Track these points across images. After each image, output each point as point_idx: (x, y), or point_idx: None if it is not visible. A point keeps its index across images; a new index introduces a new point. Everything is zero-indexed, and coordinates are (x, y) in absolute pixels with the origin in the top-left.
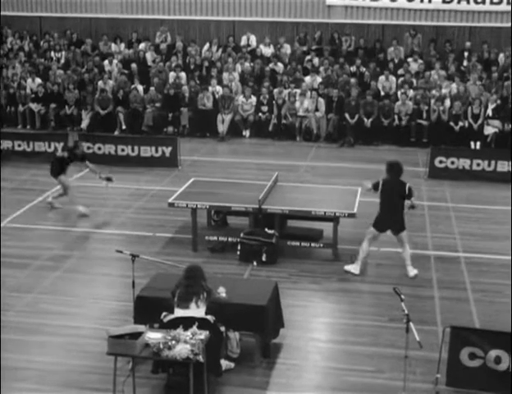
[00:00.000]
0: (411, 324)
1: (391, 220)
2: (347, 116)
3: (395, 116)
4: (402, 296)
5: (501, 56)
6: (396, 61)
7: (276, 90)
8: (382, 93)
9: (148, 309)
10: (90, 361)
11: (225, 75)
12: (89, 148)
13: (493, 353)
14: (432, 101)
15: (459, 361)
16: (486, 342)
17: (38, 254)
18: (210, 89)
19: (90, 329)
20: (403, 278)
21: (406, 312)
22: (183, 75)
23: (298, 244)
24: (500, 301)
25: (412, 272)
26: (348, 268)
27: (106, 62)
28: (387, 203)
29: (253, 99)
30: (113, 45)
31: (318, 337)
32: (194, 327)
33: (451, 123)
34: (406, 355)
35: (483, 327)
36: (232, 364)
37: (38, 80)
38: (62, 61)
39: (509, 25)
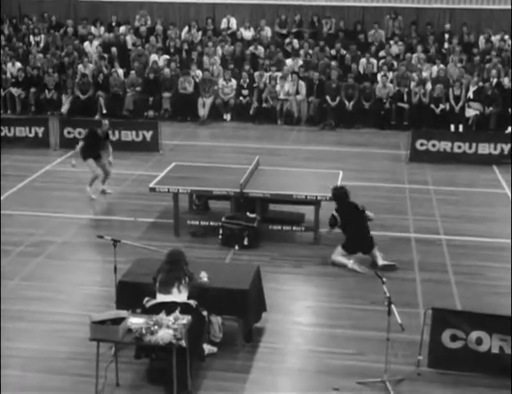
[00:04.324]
0: (393, 307)
1: (363, 243)
2: (328, 99)
3: (376, 99)
4: (384, 279)
5: (481, 38)
6: (377, 43)
7: (256, 73)
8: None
9: (130, 294)
10: (73, 347)
11: (205, 58)
12: (69, 132)
13: (474, 334)
14: (413, 84)
15: (441, 343)
16: (468, 324)
17: (19, 241)
18: (191, 72)
19: (73, 315)
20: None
21: (388, 294)
22: (164, 57)
23: (279, 227)
24: (482, 283)
25: (381, 261)
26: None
27: (86, 44)
28: (353, 229)
29: (234, 83)
30: (93, 28)
31: (301, 321)
32: (177, 312)
33: (432, 106)
34: (388, 337)
35: (465, 309)
36: (215, 349)
37: (18, 65)
38: (42, 44)
39: (488, 7)
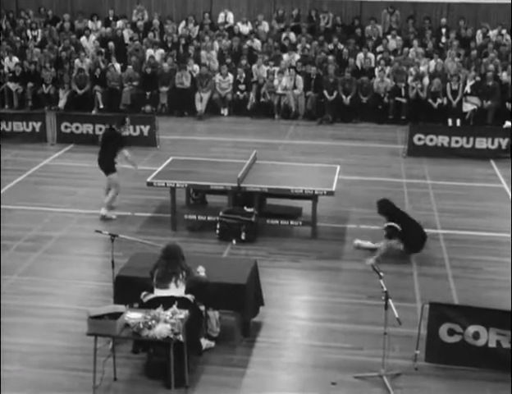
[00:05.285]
0: (390, 301)
1: (422, 240)
2: (325, 93)
3: (374, 94)
4: (381, 273)
5: (479, 32)
6: (374, 38)
7: (254, 66)
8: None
9: (127, 289)
10: (71, 342)
11: (203, 53)
12: (66, 127)
13: (471, 329)
14: (410, 78)
15: (438, 337)
16: (465, 318)
17: (18, 235)
18: (188, 67)
19: (70, 310)
20: (381, 255)
21: (385, 289)
22: (160, 52)
23: (277, 222)
24: (479, 277)
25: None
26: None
27: (83, 38)
28: (412, 231)
29: (230, 77)
30: (90, 23)
31: (298, 315)
32: (174, 307)
33: (430, 100)
34: (385, 331)
35: (462, 304)
36: (212, 343)
37: (16, 59)
38: (39, 39)
39: (485, 1)
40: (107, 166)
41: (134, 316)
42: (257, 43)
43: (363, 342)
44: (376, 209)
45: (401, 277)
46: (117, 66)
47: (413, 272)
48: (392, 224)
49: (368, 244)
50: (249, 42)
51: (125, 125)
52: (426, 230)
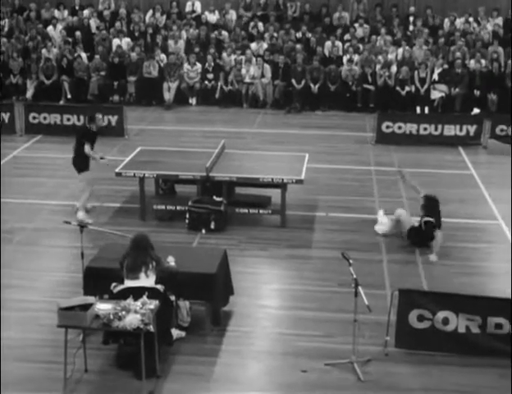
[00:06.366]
0: (360, 288)
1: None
2: (293, 82)
3: (342, 82)
4: (350, 261)
5: (446, 20)
6: (342, 26)
7: (222, 57)
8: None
9: (97, 279)
10: (42, 334)
11: (170, 42)
12: (34, 118)
13: (441, 314)
14: (378, 66)
15: (408, 323)
16: (434, 304)
17: None
18: (156, 57)
19: (41, 302)
20: (351, 243)
21: (355, 276)
22: (127, 41)
23: (246, 211)
24: (448, 263)
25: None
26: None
27: (49, 28)
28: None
29: (199, 66)
30: (56, 12)
31: (268, 304)
32: (144, 297)
33: (398, 88)
34: (355, 318)
35: (431, 290)
36: (183, 333)
37: None
38: (6, 29)
39: None
40: (79, 164)
41: (104, 307)
42: (224, 34)
43: (334, 330)
44: (344, 196)
45: (371, 264)
46: (84, 55)
47: (383, 258)
48: (431, 220)
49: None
50: (216, 31)
51: (96, 121)
52: (395, 217)
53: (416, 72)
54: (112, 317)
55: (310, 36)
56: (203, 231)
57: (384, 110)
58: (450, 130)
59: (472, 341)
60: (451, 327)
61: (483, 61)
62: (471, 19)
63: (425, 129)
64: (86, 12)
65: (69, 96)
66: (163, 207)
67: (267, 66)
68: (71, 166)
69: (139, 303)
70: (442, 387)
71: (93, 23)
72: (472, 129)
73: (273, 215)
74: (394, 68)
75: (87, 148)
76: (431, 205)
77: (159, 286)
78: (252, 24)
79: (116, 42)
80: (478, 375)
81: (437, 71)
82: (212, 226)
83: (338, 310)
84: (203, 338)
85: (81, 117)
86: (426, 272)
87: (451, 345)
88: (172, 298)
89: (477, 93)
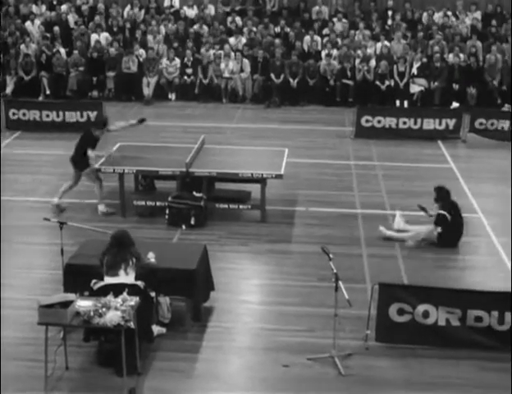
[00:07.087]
0: (340, 283)
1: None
2: (272, 76)
3: (321, 77)
4: (330, 255)
5: (425, 15)
6: (321, 21)
7: (201, 52)
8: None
9: (77, 276)
10: (23, 332)
11: (149, 37)
12: (14, 114)
13: (421, 308)
14: (357, 61)
15: (388, 317)
16: (414, 298)
17: None
18: (134, 52)
19: (20, 300)
20: (331, 237)
21: (335, 271)
22: (105, 36)
23: (226, 206)
24: (428, 257)
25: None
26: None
27: (28, 23)
28: (457, 225)
29: (177, 61)
30: (34, 7)
31: (249, 299)
32: (125, 294)
33: (377, 82)
34: (336, 313)
35: (411, 283)
36: (164, 330)
37: None
38: None
39: None
40: (79, 164)
41: (84, 304)
42: (203, 28)
43: (314, 324)
44: (324, 191)
45: (351, 258)
46: (63, 51)
47: (363, 253)
48: (444, 213)
49: (398, 235)
50: (195, 26)
51: (103, 131)
52: (375, 211)
53: (395, 66)
54: (92, 314)
55: (289, 31)
56: (183, 226)
57: (363, 104)
58: (430, 124)
59: (452, 333)
60: (431, 321)
61: (462, 56)
62: (449, 13)
63: (404, 123)
64: (64, 7)
65: (48, 92)
66: (143, 203)
67: (245, 61)
68: (68, 162)
69: (119, 300)
70: (423, 380)
71: (72, 18)
72: (451, 123)
73: (253, 210)
74: (373, 62)
75: (91, 153)
76: (441, 196)
77: (139, 283)
78: (230, 18)
79: (94, 37)
80: (458, 368)
81: (416, 65)
82: (192, 222)
83: (319, 305)
84: (184, 334)
85: (60, 113)
86: (406, 265)
87: (431, 339)
88: (153, 294)
89: (456, 87)
